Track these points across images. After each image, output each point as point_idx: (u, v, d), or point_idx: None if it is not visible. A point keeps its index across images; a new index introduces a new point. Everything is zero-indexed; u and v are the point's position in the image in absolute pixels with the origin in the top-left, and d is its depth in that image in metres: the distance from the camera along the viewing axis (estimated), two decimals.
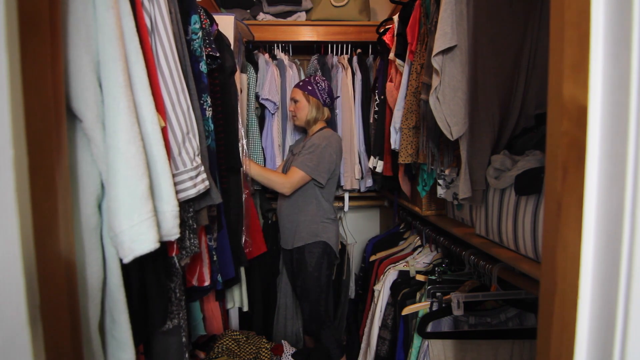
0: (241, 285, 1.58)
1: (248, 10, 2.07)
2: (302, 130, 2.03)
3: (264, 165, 1.99)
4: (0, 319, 0.48)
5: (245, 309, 1.62)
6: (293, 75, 2.07)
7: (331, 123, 2.00)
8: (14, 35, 0.48)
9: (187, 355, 0.96)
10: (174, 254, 0.86)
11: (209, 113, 1.07)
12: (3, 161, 0.47)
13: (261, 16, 2.07)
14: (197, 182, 0.89)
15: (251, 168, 1.67)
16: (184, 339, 0.94)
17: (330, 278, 1.81)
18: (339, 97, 2.11)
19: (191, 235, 0.91)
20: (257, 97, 1.96)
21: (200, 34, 1.03)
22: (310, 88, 1.78)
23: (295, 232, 1.77)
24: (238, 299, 1.59)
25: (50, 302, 0.53)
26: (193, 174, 0.88)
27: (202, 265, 1.08)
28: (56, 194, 0.52)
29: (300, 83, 1.82)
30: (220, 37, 1.38)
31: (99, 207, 0.68)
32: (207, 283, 1.09)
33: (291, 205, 1.79)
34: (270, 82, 1.97)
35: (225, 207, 1.31)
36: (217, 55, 1.15)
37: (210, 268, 1.12)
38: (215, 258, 1.16)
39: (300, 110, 1.81)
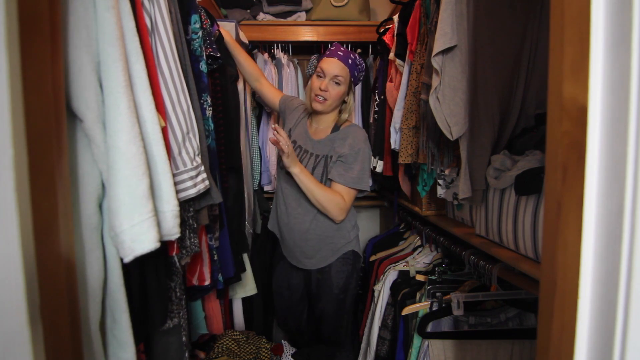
0: (246, 273, 1.56)
1: (248, 10, 2.07)
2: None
3: (260, 164, 1.96)
4: (0, 319, 0.48)
5: (253, 292, 1.59)
6: (290, 73, 2.07)
7: None
8: (14, 35, 0.48)
9: (187, 354, 0.96)
10: (174, 254, 0.86)
11: (209, 112, 1.07)
12: (3, 161, 0.47)
13: (261, 16, 2.07)
14: (197, 182, 0.89)
15: (303, 178, 1.29)
16: (184, 338, 0.94)
17: (356, 296, 1.50)
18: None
19: (191, 235, 0.91)
20: (254, 95, 1.96)
21: (200, 33, 1.03)
22: (356, 74, 1.38)
23: (319, 249, 1.42)
24: (242, 289, 1.57)
25: (50, 302, 0.53)
26: (193, 173, 0.88)
27: (203, 265, 1.08)
28: (56, 194, 0.52)
29: (341, 52, 1.36)
30: (221, 39, 1.38)
31: (100, 206, 0.68)
32: (207, 282, 1.09)
33: (317, 214, 1.38)
34: None
35: (225, 205, 1.31)
36: (218, 55, 1.15)
37: (210, 267, 1.12)
38: (216, 257, 1.16)
39: (337, 98, 1.35)
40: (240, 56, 1.54)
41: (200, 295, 1.16)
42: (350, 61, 1.36)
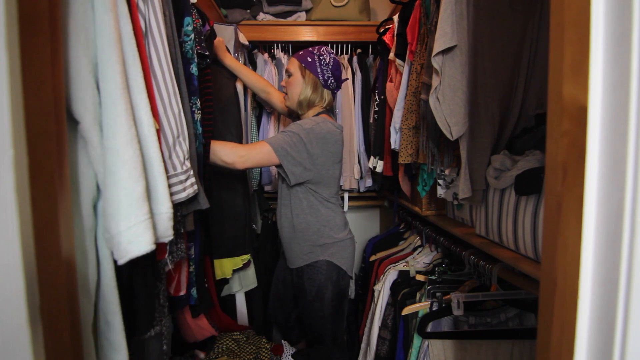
0: (248, 269, 1.59)
1: (248, 10, 2.07)
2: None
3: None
4: (0, 319, 0.48)
5: (254, 285, 1.62)
6: None
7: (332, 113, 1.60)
8: (14, 36, 0.48)
9: None
10: (164, 257, 0.84)
11: (197, 116, 1.04)
12: (3, 161, 0.47)
13: (261, 16, 2.07)
14: (186, 186, 0.88)
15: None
16: (164, 347, 0.92)
17: (339, 306, 1.46)
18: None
19: (178, 240, 0.90)
20: (254, 96, 1.96)
21: (192, 36, 1.02)
22: (309, 60, 1.42)
23: (291, 248, 1.47)
24: (244, 281, 1.59)
25: (50, 302, 0.53)
26: (183, 177, 0.87)
27: (181, 274, 1.04)
28: (56, 194, 0.52)
29: (300, 52, 1.45)
30: (212, 39, 1.36)
31: (94, 208, 0.68)
32: (182, 292, 1.04)
33: (284, 214, 1.46)
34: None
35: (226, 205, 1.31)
36: (207, 54, 1.13)
37: (187, 278, 1.06)
38: (192, 269, 1.10)
39: (292, 86, 1.43)
40: (243, 73, 1.60)
41: (177, 307, 1.10)
42: (301, 52, 1.46)
